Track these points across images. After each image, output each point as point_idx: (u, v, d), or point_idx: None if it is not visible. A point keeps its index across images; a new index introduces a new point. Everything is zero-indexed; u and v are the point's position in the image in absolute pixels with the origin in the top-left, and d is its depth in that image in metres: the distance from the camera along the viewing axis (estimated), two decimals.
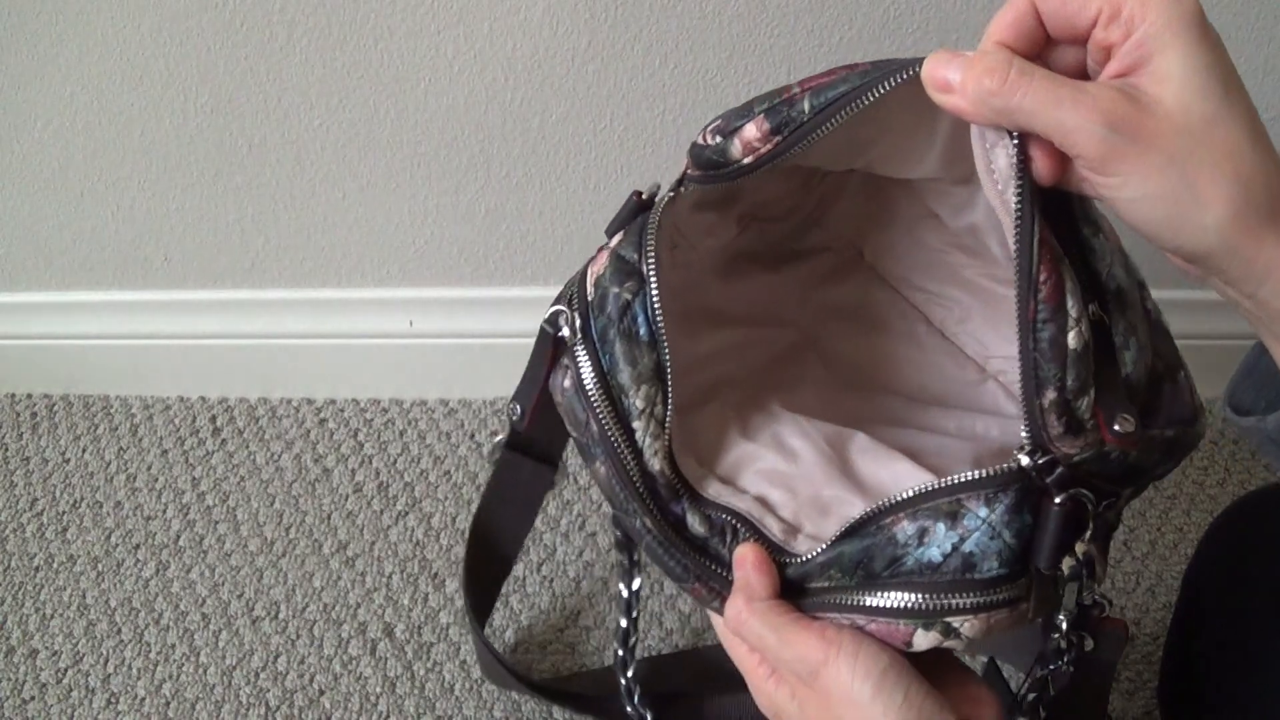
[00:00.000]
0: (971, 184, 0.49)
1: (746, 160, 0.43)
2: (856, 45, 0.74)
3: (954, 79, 0.35)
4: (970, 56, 0.35)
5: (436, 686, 0.77)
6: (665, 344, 0.45)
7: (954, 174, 0.48)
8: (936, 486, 0.40)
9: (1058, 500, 0.38)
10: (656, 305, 0.45)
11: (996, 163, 0.37)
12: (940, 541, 0.39)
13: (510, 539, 0.73)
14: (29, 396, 1.01)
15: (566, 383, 0.46)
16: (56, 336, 0.97)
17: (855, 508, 0.44)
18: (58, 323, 0.96)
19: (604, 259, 0.47)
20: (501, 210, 0.85)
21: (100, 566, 0.86)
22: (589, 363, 0.45)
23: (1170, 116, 0.34)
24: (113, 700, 0.78)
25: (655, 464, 0.45)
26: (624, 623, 0.64)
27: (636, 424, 0.45)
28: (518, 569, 0.84)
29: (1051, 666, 0.43)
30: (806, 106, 0.41)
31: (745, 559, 0.44)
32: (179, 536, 0.88)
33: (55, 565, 0.87)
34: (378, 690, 0.77)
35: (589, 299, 0.46)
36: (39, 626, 0.83)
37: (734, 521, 0.45)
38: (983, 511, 0.39)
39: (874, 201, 0.58)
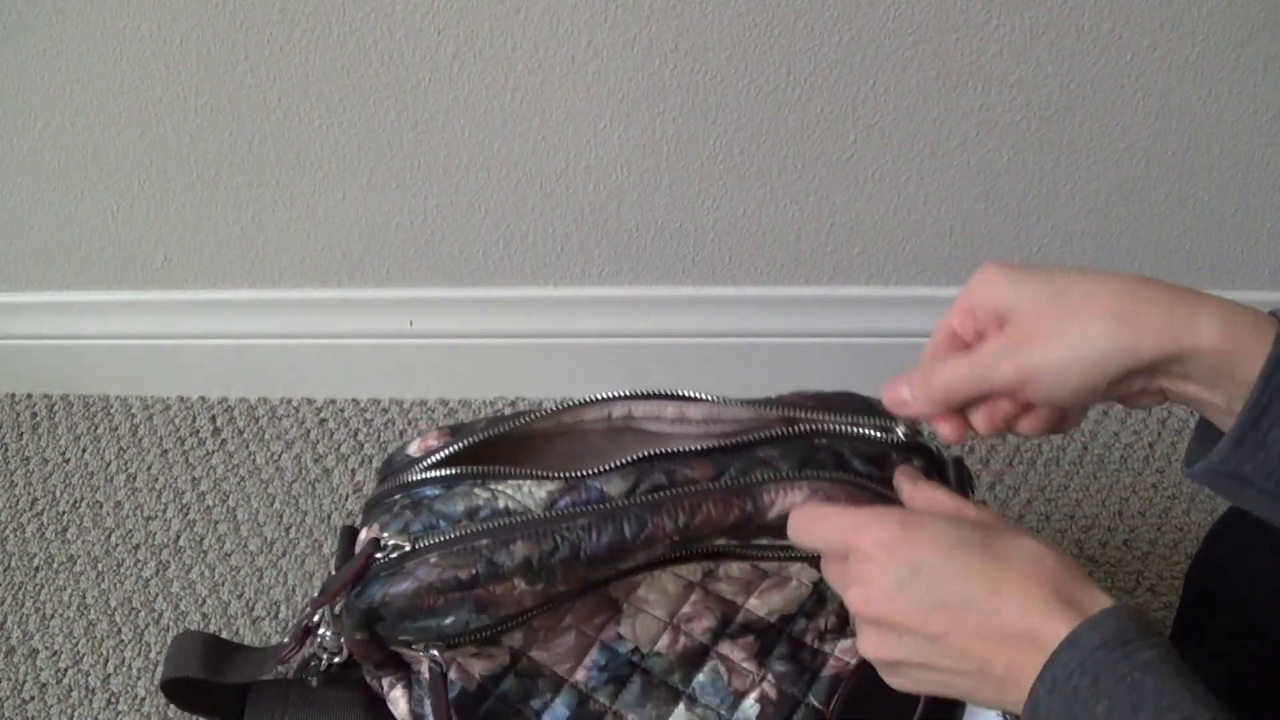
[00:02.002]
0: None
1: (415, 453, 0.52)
2: (856, 45, 0.74)
3: (906, 396, 0.45)
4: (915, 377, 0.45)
5: None
6: (461, 471, 0.50)
7: None
8: None
9: None
10: (434, 476, 0.51)
11: None
12: None
13: None
14: (29, 396, 1.01)
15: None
16: (56, 336, 0.97)
17: None
18: (58, 323, 0.96)
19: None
20: (501, 210, 0.85)
21: (100, 566, 0.86)
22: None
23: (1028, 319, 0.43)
24: (113, 700, 0.78)
25: (541, 493, 0.49)
26: None
27: (501, 502, 0.49)
28: None
29: None
30: (481, 435, 0.52)
31: None
32: (179, 536, 0.88)
33: (55, 565, 0.87)
34: None
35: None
36: (39, 626, 0.83)
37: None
38: None
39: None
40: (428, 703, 0.51)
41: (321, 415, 0.97)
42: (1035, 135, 0.79)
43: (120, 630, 0.82)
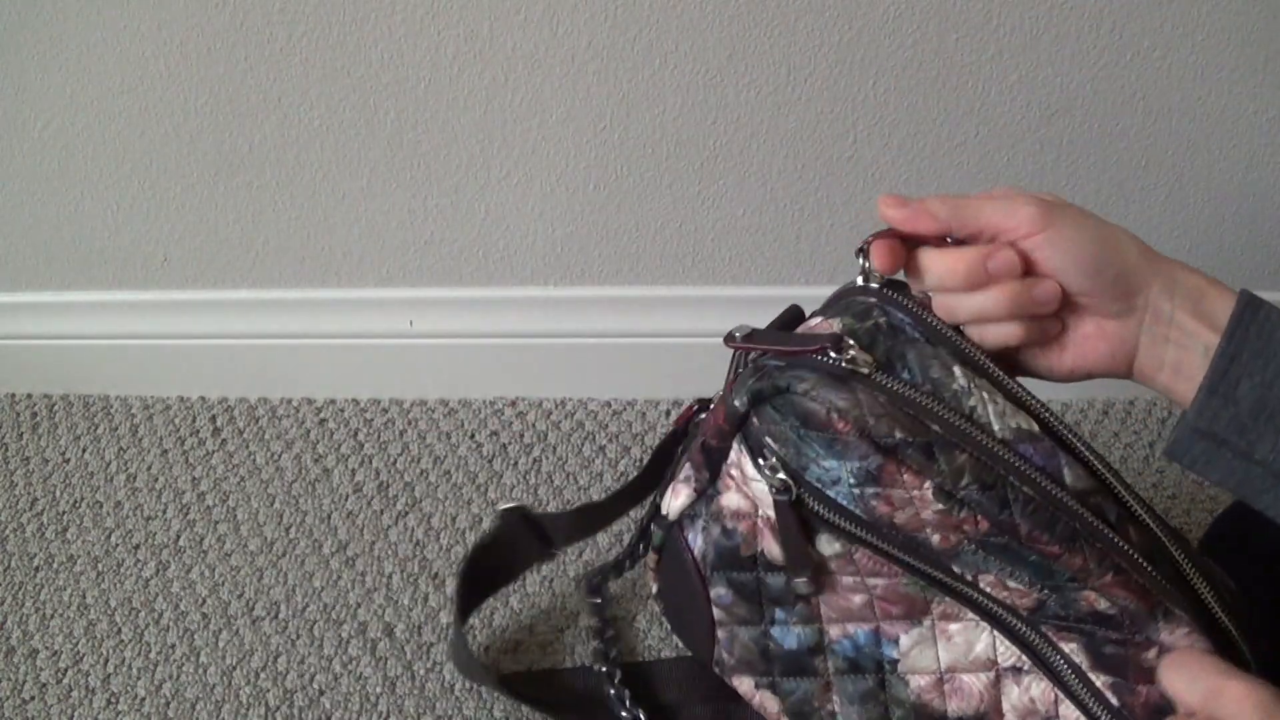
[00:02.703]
0: None
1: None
2: (856, 45, 0.74)
3: (909, 203, 0.47)
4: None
5: (436, 686, 0.77)
6: (948, 332, 0.45)
7: None
8: None
9: None
10: (916, 310, 0.46)
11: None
12: None
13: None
14: (29, 396, 1.01)
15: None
16: (56, 336, 0.97)
17: None
18: (58, 323, 0.96)
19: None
20: (502, 210, 0.85)
21: (100, 566, 0.86)
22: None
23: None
24: (113, 700, 0.78)
25: (1011, 423, 0.44)
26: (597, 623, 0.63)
27: (972, 400, 0.43)
28: None
29: None
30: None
31: None
32: (179, 536, 0.88)
33: (55, 565, 0.87)
34: (378, 690, 0.77)
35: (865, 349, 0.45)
36: (39, 626, 0.83)
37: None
38: None
39: None
40: (700, 525, 0.46)
41: (321, 415, 0.97)
42: (1035, 135, 0.79)
43: (120, 630, 0.82)
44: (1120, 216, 0.84)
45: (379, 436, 0.95)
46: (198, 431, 0.96)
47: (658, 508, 0.50)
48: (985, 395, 0.44)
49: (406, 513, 0.89)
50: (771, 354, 0.45)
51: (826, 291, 0.90)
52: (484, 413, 0.96)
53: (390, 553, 0.86)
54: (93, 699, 0.78)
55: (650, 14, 0.74)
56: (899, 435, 0.42)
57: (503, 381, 0.97)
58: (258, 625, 0.82)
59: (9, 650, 0.81)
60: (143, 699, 0.78)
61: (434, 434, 0.95)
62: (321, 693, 0.77)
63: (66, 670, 0.80)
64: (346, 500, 0.90)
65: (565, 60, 0.76)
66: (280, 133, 0.81)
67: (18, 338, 0.98)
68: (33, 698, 0.79)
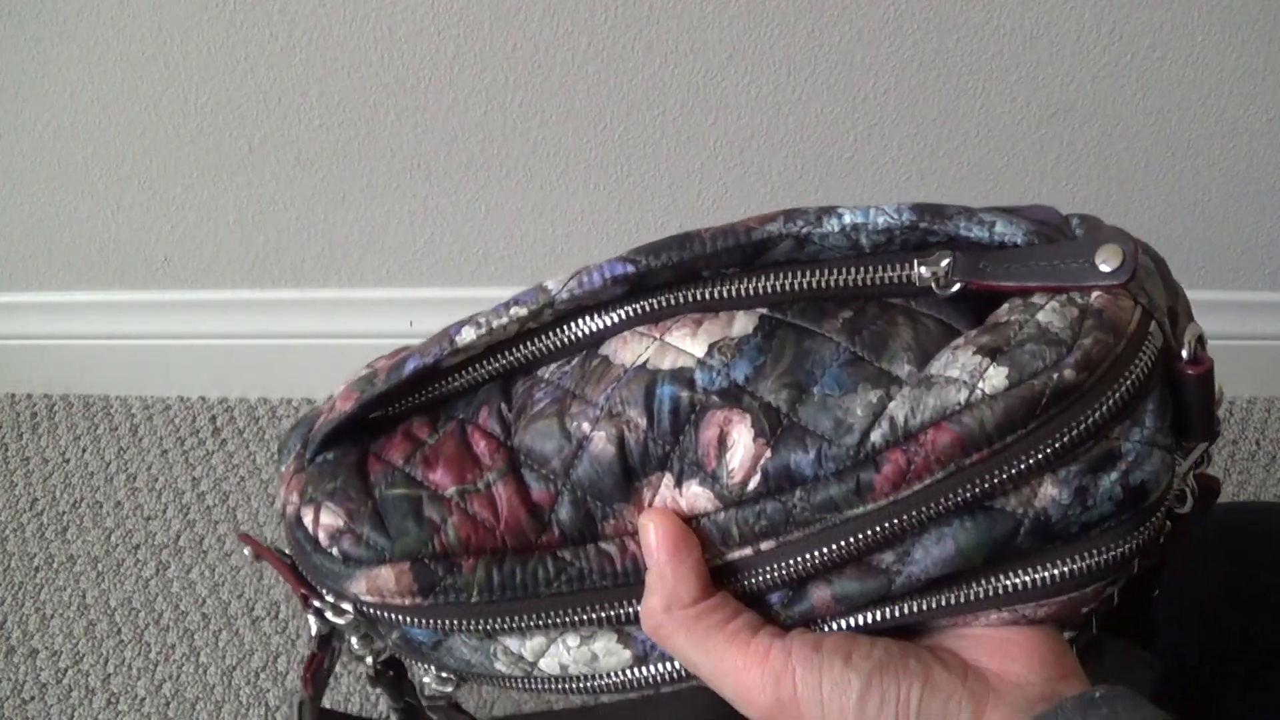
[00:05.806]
0: None
1: None
2: (856, 45, 0.74)
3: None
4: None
5: None
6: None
7: None
8: (1078, 434, 0.29)
9: (1188, 358, 0.30)
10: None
11: None
12: (1110, 490, 0.29)
13: None
14: (29, 396, 1.01)
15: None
16: (56, 336, 0.97)
17: None
18: (58, 323, 0.96)
19: None
20: (501, 210, 0.85)
21: (100, 566, 0.86)
22: None
23: None
24: (113, 700, 0.78)
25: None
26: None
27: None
28: None
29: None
30: None
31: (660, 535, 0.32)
32: (179, 536, 0.88)
33: (55, 565, 0.87)
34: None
35: None
36: (39, 626, 0.83)
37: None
38: (1135, 433, 0.29)
39: None
40: None
41: None
42: (1035, 135, 0.79)
43: (120, 630, 0.82)
44: (1121, 217, 0.84)
45: None
46: (198, 431, 0.96)
47: None
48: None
49: None
50: None
51: None
52: None
53: None
54: (93, 699, 0.78)
55: (650, 14, 0.74)
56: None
57: None
58: (258, 625, 0.82)
59: (9, 650, 0.81)
60: (143, 699, 0.78)
61: None
62: None
63: (66, 670, 0.80)
64: None
65: (565, 60, 0.76)
66: (280, 133, 0.81)
67: (18, 338, 0.98)
68: (33, 698, 0.79)
